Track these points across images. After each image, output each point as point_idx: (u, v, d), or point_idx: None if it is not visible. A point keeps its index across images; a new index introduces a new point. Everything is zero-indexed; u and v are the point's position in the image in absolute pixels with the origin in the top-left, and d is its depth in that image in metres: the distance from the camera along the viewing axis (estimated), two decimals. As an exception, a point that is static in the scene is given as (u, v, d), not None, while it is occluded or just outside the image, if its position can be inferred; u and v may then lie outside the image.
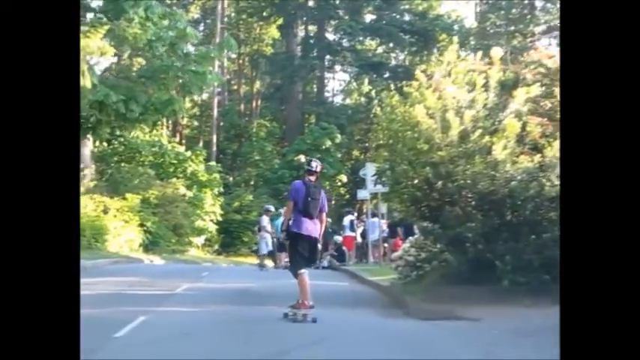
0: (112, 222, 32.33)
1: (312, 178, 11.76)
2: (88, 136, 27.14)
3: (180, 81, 23.03)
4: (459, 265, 13.92)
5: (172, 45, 22.87)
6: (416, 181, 13.82)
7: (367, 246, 28.97)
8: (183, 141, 54.26)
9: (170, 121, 54.27)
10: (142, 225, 35.02)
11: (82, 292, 13.80)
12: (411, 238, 17.41)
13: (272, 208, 28.26)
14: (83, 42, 17.24)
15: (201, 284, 18.17)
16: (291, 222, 11.71)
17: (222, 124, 55.01)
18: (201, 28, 57.32)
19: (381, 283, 17.64)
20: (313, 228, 11.62)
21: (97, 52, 17.72)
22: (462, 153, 13.06)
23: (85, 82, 17.67)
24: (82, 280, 16.87)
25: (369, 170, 23.55)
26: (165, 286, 16.57)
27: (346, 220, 31.82)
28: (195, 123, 61.21)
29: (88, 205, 31.86)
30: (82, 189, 32.76)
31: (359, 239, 31.01)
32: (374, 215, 28.35)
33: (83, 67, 17.58)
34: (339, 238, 29.91)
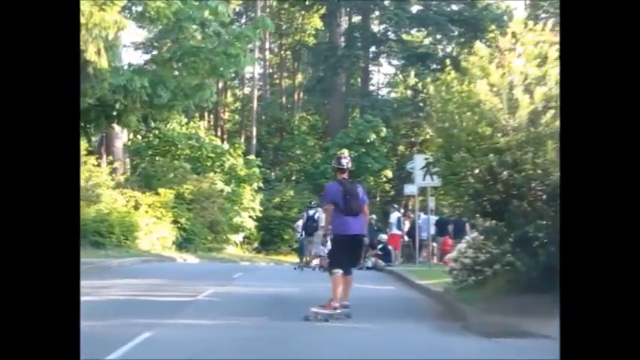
0: (143, 218, 31.37)
1: (345, 175, 11.93)
2: (114, 125, 25.61)
3: (212, 63, 21.38)
4: (526, 269, 12.47)
5: (203, 25, 21.44)
6: (476, 171, 12.53)
7: (414, 245, 27.31)
8: (225, 135, 53.54)
9: (211, 116, 53.46)
10: (175, 221, 34.30)
11: (91, 297, 12.28)
12: (467, 237, 15.71)
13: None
14: (98, 16, 15.79)
15: (230, 288, 16.87)
16: (334, 224, 11.75)
17: (263, 117, 54.13)
18: (243, 20, 56.65)
19: (432, 288, 16.35)
20: (359, 225, 11.73)
21: (113, 27, 16.06)
22: (532, 138, 11.87)
23: (101, 61, 16.13)
24: (97, 283, 15.46)
25: (418, 162, 22.55)
26: (189, 291, 15.37)
27: (393, 217, 30.64)
28: (237, 117, 60.49)
29: (118, 200, 30.82)
30: (111, 183, 31.71)
31: (405, 238, 29.66)
32: (425, 212, 26.71)
33: (99, 44, 16.01)
34: (384, 237, 28.31)
